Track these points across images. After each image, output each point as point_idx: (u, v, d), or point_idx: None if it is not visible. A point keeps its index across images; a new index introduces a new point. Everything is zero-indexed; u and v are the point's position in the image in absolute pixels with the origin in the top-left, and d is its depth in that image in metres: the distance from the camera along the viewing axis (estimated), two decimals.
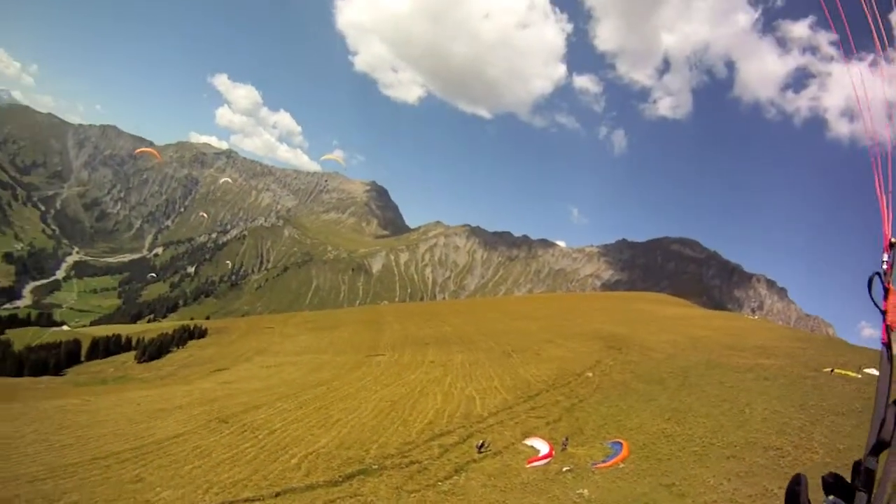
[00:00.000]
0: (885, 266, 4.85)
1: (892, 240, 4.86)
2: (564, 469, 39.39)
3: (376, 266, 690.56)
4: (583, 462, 40.62)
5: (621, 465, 39.02)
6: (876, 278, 4.80)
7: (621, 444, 42.92)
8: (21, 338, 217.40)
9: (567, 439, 45.84)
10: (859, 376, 57.23)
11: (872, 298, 4.84)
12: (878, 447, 4.35)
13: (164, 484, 38.85)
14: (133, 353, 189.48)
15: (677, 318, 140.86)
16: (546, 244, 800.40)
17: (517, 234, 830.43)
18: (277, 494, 36.24)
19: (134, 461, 44.89)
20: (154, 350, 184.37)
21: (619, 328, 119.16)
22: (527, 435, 48.95)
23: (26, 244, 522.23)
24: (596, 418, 52.35)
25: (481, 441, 46.34)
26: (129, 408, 73.02)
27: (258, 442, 49.91)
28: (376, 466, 41.64)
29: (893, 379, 4.62)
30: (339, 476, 39.56)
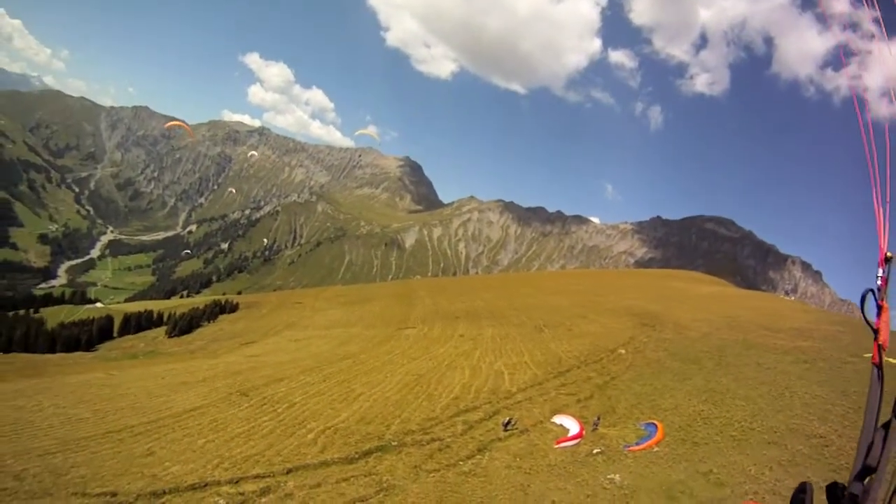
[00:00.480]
0: (879, 281, 4.74)
1: (889, 254, 4.75)
2: (595, 451, 37.31)
3: (409, 241, 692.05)
4: (614, 444, 38.54)
5: (655, 449, 36.99)
6: (870, 295, 4.66)
7: (656, 425, 40.73)
8: (55, 316, 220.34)
9: (599, 419, 43.68)
10: None
11: (865, 316, 4.71)
12: (864, 472, 4.21)
13: (174, 458, 37.68)
14: (164, 328, 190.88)
15: (712, 297, 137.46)
16: (580, 220, 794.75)
17: (551, 209, 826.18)
18: (289, 471, 34.67)
19: (147, 435, 43.82)
20: (185, 325, 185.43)
21: (653, 305, 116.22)
22: (556, 413, 46.78)
23: (61, 225, 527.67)
24: (629, 397, 50.12)
25: (508, 418, 44.40)
26: (151, 381, 72.45)
27: (277, 416, 48.60)
28: (396, 443, 39.91)
29: (884, 401, 4.48)
30: (356, 453, 37.90)
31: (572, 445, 39.15)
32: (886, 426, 4.24)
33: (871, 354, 4.70)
